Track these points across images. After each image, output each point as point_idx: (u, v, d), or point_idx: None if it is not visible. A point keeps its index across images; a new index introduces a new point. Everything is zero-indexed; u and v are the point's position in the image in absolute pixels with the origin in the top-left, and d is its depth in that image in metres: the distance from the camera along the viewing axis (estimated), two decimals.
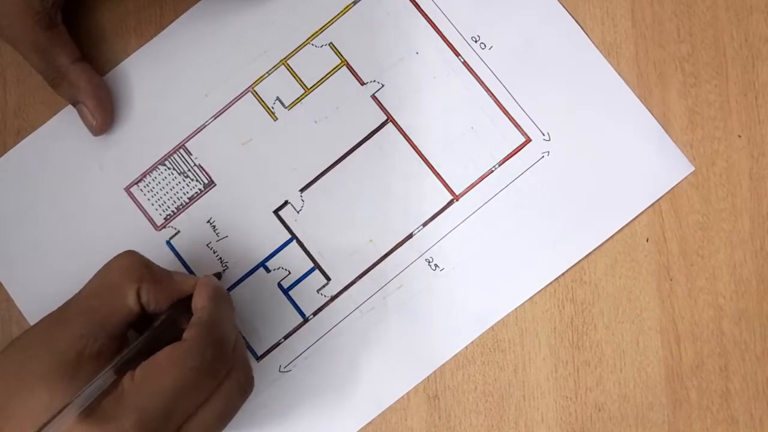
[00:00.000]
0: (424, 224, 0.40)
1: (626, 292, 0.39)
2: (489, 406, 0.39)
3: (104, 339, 0.31)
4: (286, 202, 0.40)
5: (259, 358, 0.40)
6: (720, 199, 0.39)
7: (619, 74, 0.40)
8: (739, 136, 0.39)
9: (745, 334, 0.39)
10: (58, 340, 0.30)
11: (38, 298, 0.40)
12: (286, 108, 0.41)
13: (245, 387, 0.33)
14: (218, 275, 0.39)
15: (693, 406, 0.38)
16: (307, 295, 0.40)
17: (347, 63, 0.41)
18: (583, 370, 0.39)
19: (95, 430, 0.28)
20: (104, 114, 0.39)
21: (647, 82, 0.40)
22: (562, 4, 0.40)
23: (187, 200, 0.40)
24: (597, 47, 0.40)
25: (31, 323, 0.40)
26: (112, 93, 0.40)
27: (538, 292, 0.39)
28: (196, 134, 0.41)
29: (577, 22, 0.40)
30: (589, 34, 0.40)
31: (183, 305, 0.33)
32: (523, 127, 0.40)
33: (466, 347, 0.39)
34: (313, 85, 0.41)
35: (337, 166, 0.40)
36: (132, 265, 0.33)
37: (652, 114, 0.39)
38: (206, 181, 0.40)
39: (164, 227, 0.40)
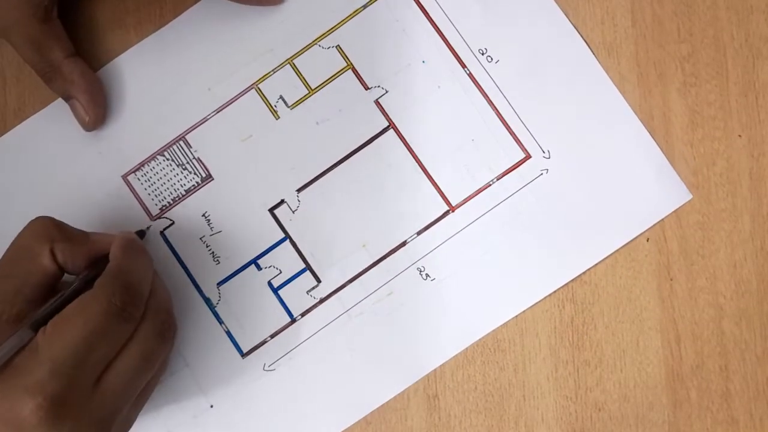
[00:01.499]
0: (419, 233, 0.40)
1: (626, 292, 0.39)
2: (489, 406, 0.39)
3: (22, 304, 0.31)
4: (281, 201, 0.40)
5: (244, 355, 0.39)
6: (720, 199, 0.39)
7: (624, 97, 0.40)
8: (740, 136, 0.39)
9: (746, 334, 0.39)
10: None
11: None
12: (288, 107, 0.41)
13: (164, 330, 0.34)
14: (141, 233, 0.39)
15: (693, 406, 0.38)
16: (297, 296, 0.40)
17: (353, 66, 0.41)
18: (583, 370, 0.39)
19: (8, 385, 0.29)
20: (97, 110, 0.39)
21: (647, 82, 0.40)
22: (570, 21, 0.40)
23: (184, 192, 0.40)
24: (605, 68, 0.40)
25: None
26: (108, 87, 0.40)
27: (528, 308, 0.39)
28: (197, 127, 0.41)
29: (585, 41, 0.40)
30: (589, 34, 0.40)
31: (103, 264, 0.33)
32: (523, 143, 0.40)
33: (465, 348, 0.39)
34: (318, 86, 0.41)
35: (336, 169, 0.40)
36: (43, 226, 0.33)
37: (654, 139, 0.39)
38: (204, 175, 0.40)
39: (159, 218, 0.40)
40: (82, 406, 0.30)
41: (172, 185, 0.40)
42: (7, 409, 0.29)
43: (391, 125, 0.40)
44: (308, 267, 0.40)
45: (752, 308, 0.39)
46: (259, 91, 0.41)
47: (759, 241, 0.39)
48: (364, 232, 0.40)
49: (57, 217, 0.40)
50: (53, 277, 0.33)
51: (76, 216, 0.40)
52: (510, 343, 0.39)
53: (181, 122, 0.41)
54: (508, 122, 0.40)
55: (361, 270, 0.40)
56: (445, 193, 0.40)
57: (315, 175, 0.40)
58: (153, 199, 0.40)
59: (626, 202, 0.39)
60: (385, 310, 0.40)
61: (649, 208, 0.39)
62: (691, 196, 0.39)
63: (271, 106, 0.41)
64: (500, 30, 0.40)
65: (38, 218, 0.34)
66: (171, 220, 0.40)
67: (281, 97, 0.41)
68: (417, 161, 0.40)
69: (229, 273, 0.40)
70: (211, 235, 0.40)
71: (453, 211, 0.40)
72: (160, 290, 0.36)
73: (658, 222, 0.39)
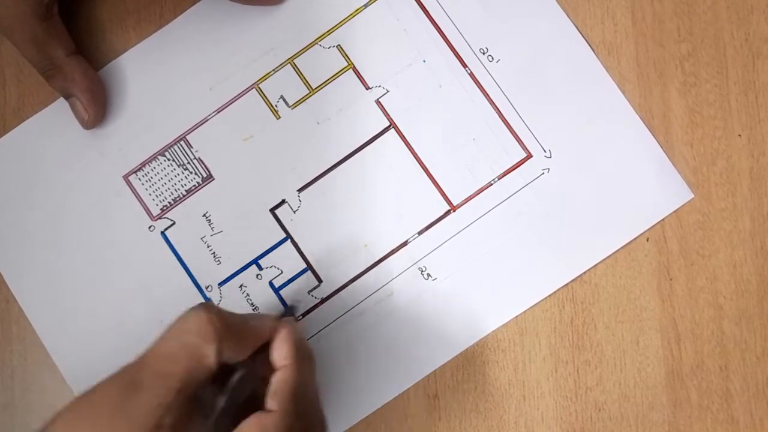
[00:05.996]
0: (420, 233, 0.40)
1: (626, 292, 0.39)
2: (489, 406, 0.39)
3: (183, 406, 0.29)
4: (283, 201, 0.40)
5: None
6: (720, 199, 0.39)
7: (625, 97, 0.40)
8: (740, 135, 0.39)
9: (745, 333, 0.39)
10: (135, 408, 0.28)
11: (30, 278, 0.40)
12: (289, 107, 0.41)
13: None
14: (293, 313, 0.37)
15: (693, 406, 0.38)
16: (298, 296, 0.40)
17: (354, 66, 0.41)
18: (583, 370, 0.39)
19: None
20: (97, 108, 0.39)
21: (647, 82, 0.40)
22: (571, 20, 0.40)
23: (185, 192, 0.40)
24: (606, 68, 0.40)
25: (23, 305, 0.40)
26: (108, 88, 0.40)
27: (528, 308, 0.39)
28: (198, 127, 0.40)
29: (587, 40, 0.40)
30: (589, 33, 0.40)
31: (260, 351, 0.32)
32: (525, 143, 0.40)
33: (465, 348, 0.39)
34: (318, 86, 0.41)
35: (337, 169, 0.40)
36: (210, 323, 0.30)
37: (656, 138, 0.39)
38: (205, 175, 0.40)
39: (160, 218, 0.40)
40: None
41: (173, 185, 0.40)
42: None
43: (392, 125, 0.40)
44: (309, 267, 0.40)
45: (752, 308, 0.39)
46: (260, 91, 0.41)
47: (759, 241, 0.39)
48: (366, 232, 0.40)
49: (58, 219, 0.40)
50: (213, 373, 0.30)
51: (76, 216, 0.40)
52: (510, 343, 0.39)
53: (181, 122, 0.40)
54: (509, 121, 0.40)
55: (362, 270, 0.40)
56: (446, 193, 0.40)
57: (316, 175, 0.40)
58: (154, 200, 0.40)
59: (627, 202, 0.39)
60: (386, 310, 0.40)
61: (649, 207, 0.39)
62: (692, 196, 0.39)
63: (272, 106, 0.41)
64: (501, 29, 0.40)
65: (203, 311, 0.30)
66: (172, 220, 0.40)
67: (282, 96, 0.41)
68: (418, 161, 0.40)
69: (231, 273, 0.40)
70: (212, 236, 0.40)
71: (454, 211, 0.40)
72: (319, 396, 0.34)
73: (658, 222, 0.39)
